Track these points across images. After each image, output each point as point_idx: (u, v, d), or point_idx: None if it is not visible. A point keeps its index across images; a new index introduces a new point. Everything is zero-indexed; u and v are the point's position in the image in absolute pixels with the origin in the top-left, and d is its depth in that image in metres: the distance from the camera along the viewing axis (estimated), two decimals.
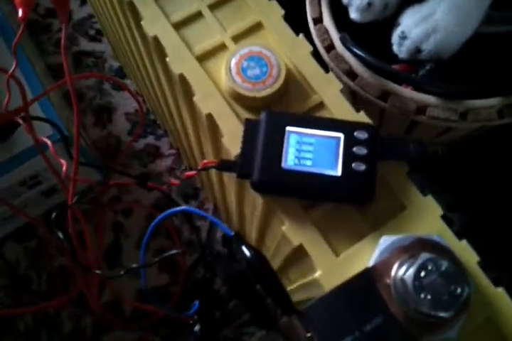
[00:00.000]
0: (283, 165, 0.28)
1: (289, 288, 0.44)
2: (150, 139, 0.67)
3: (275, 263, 0.42)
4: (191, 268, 0.62)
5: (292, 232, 0.28)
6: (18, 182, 0.50)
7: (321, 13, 0.51)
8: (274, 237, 0.36)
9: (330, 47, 0.51)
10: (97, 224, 0.60)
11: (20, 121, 0.34)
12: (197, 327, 0.39)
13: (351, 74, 0.50)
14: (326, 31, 0.52)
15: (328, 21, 0.51)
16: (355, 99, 0.58)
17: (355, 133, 0.29)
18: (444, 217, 0.30)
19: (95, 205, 0.59)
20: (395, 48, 0.50)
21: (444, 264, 0.25)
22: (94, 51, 0.71)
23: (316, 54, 0.51)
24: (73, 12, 0.72)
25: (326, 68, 0.55)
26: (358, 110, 0.32)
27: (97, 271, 0.34)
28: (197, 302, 0.38)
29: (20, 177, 0.49)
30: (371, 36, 0.52)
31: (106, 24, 0.56)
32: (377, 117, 0.57)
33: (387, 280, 0.26)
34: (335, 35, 0.51)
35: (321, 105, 0.31)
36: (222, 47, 0.32)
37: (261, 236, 0.42)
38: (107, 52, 0.71)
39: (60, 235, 0.31)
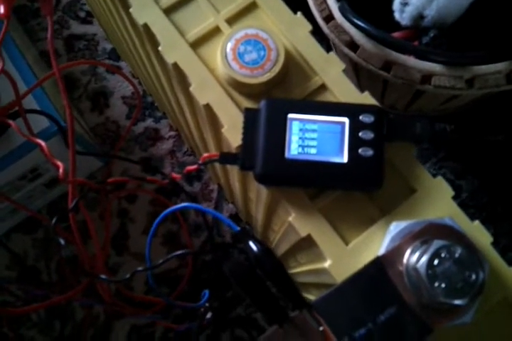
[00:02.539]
0: (286, 155, 0.27)
1: (297, 270, 0.44)
2: (149, 122, 0.66)
3: (283, 247, 0.41)
4: (200, 249, 0.62)
5: (299, 223, 0.28)
6: (18, 176, 0.49)
7: None
8: (281, 223, 0.36)
9: (329, 18, 0.49)
10: (101, 212, 0.60)
11: (10, 122, 0.33)
12: (209, 315, 0.39)
13: (352, 45, 0.48)
14: (324, 1, 0.50)
15: None
16: (358, 71, 0.56)
17: (361, 117, 0.28)
18: (453, 187, 0.29)
19: (99, 193, 0.59)
20: (397, 15, 0.49)
21: (458, 251, 0.25)
22: (86, 34, 0.69)
23: (315, 26, 0.50)
24: None
25: (326, 41, 0.53)
26: (362, 90, 0.31)
27: (102, 276, 0.34)
28: (207, 292, 0.38)
29: (19, 171, 0.48)
30: (371, 3, 0.50)
31: (95, 8, 0.54)
32: (381, 88, 0.56)
33: (400, 268, 0.26)
34: (333, 5, 0.49)
35: (323, 87, 0.30)
36: (216, 31, 0.31)
37: (267, 220, 0.41)
38: (99, 34, 0.69)
39: (62, 242, 0.31)
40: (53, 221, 0.32)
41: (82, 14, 0.69)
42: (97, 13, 0.60)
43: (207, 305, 0.38)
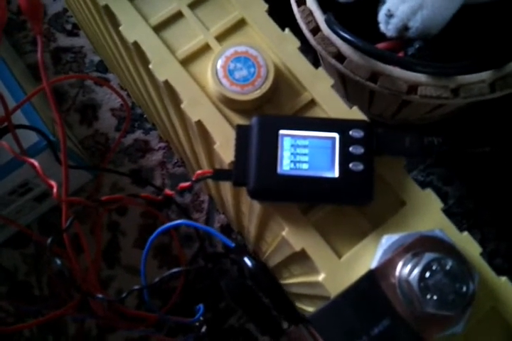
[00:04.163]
0: (278, 170, 0.27)
1: (290, 281, 0.44)
2: (138, 134, 0.66)
3: (276, 259, 0.42)
4: (191, 260, 0.62)
5: (293, 237, 0.28)
6: (8, 191, 0.49)
7: None
8: (274, 236, 0.36)
9: (315, 30, 0.50)
10: (92, 225, 0.59)
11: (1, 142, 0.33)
12: (204, 329, 0.39)
13: (339, 56, 0.49)
14: (311, 13, 0.50)
15: (311, 2, 0.50)
16: (345, 82, 0.57)
17: (351, 132, 0.28)
18: (440, 193, 0.29)
19: (89, 206, 0.59)
20: (382, 27, 0.49)
21: (449, 263, 0.25)
22: (73, 46, 0.69)
23: (302, 39, 0.50)
24: (47, 6, 0.70)
25: (314, 53, 0.54)
26: (349, 100, 0.31)
27: (99, 296, 0.34)
28: (201, 306, 0.38)
29: (9, 187, 0.48)
30: (357, 15, 0.51)
31: (83, 22, 0.54)
32: (368, 98, 0.56)
33: (393, 280, 0.26)
34: (320, 17, 0.49)
35: (312, 102, 0.31)
36: (206, 48, 0.31)
37: (260, 232, 0.41)
38: (86, 46, 0.69)
39: (58, 262, 0.30)
40: (48, 242, 0.32)
41: (69, 26, 0.69)
42: (83, 26, 0.60)
43: (201, 319, 0.38)
